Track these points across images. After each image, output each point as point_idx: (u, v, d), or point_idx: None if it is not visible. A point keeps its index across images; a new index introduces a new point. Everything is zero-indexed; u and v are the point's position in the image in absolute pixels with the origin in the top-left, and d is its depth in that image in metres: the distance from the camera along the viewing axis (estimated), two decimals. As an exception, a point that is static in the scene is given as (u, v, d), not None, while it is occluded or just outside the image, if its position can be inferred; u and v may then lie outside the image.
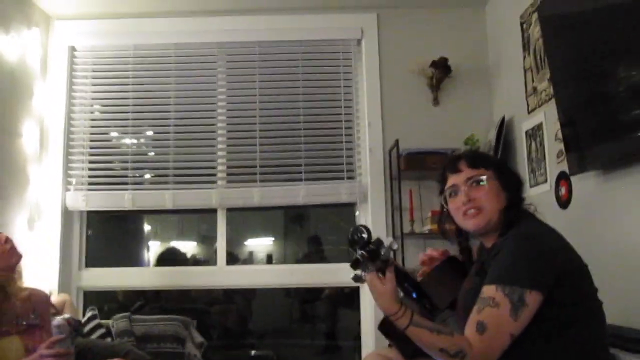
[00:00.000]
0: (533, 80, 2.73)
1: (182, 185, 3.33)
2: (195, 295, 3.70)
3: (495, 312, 1.33)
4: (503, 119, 3.02)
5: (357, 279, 1.45)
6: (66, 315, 2.05)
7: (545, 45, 2.45)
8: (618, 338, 1.73)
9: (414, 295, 1.48)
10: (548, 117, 2.56)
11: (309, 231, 4.15)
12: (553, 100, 2.42)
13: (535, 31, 2.66)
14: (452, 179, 1.59)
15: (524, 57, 2.83)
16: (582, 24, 2.15)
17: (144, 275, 3.52)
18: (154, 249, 4.28)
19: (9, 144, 3.02)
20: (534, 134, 2.72)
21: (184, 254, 3.84)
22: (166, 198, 3.28)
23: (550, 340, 1.37)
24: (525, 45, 2.82)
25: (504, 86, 3.18)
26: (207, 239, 3.77)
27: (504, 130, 3.00)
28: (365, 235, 1.42)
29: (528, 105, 2.79)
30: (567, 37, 2.28)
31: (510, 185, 1.57)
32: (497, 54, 3.26)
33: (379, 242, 1.41)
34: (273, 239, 4.48)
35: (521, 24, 2.85)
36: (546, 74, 2.53)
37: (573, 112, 2.24)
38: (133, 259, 3.96)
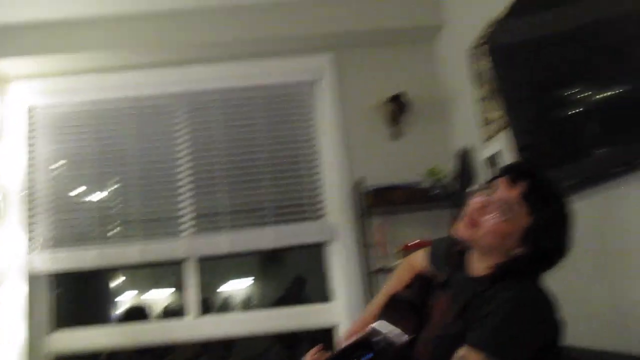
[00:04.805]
0: (487, 110, 2.79)
1: (149, 237, 3.28)
2: (177, 348, 3.60)
3: None
4: (464, 149, 3.07)
5: None
6: None
7: (495, 75, 2.52)
8: None
9: (371, 355, 1.45)
10: (506, 145, 2.60)
11: (286, 270, 4.12)
12: (509, 128, 2.47)
13: (485, 62, 2.73)
14: (499, 180, 1.41)
15: (476, 89, 2.89)
16: (529, 52, 2.21)
17: (114, 334, 3.34)
18: (126, 303, 4.17)
19: (-32, 210, 2.95)
20: (494, 161, 2.76)
21: (154, 308, 3.76)
22: (133, 252, 3.23)
23: None
24: (476, 77, 2.88)
25: (459, 117, 3.24)
26: (182, 287, 3.71)
27: (466, 159, 3.05)
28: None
29: (484, 134, 2.83)
30: (516, 65, 2.35)
31: (543, 235, 1.34)
32: (450, 87, 3.33)
33: None
34: (251, 279, 4.41)
35: (471, 56, 2.92)
36: (498, 103, 2.59)
37: (527, 139, 2.29)
38: (105, 315, 3.86)
